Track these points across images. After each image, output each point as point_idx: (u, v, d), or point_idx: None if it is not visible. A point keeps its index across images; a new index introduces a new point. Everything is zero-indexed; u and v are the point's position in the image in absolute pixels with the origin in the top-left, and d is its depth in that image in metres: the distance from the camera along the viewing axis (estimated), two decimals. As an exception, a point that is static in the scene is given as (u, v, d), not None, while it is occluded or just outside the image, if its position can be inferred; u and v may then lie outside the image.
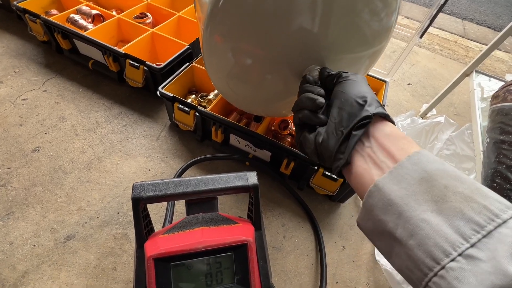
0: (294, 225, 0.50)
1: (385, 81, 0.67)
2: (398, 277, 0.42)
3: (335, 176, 0.46)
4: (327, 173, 0.47)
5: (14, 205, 0.46)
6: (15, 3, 0.64)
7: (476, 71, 0.64)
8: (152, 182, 0.27)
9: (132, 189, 0.26)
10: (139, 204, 0.26)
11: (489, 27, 1.37)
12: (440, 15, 1.06)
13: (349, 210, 0.54)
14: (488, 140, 0.42)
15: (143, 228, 0.27)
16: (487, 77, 0.64)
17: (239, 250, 0.25)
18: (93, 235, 0.44)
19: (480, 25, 1.37)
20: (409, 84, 0.88)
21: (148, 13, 0.73)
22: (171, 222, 0.40)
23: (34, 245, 0.42)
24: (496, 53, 1.16)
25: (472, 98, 0.57)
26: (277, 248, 0.47)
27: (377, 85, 0.68)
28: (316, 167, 0.48)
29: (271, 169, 0.54)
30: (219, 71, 0.38)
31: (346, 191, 0.50)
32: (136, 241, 0.28)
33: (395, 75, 0.89)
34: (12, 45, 0.70)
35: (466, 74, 0.66)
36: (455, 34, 1.25)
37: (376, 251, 0.48)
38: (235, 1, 0.30)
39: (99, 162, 0.53)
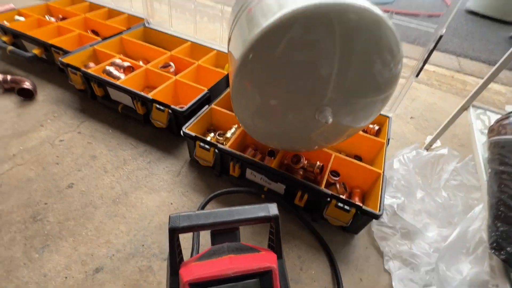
0: (310, 257, 0.52)
1: (388, 117, 0.72)
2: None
3: (347, 208, 0.49)
4: (340, 204, 0.50)
5: (49, 238, 0.49)
6: (60, 59, 0.75)
7: (473, 106, 0.69)
8: (185, 213, 0.31)
9: (169, 220, 0.29)
10: (175, 234, 0.30)
11: (483, 62, 1.45)
12: (435, 53, 1.14)
13: (364, 241, 0.56)
14: (489, 170, 0.45)
15: (177, 256, 0.30)
16: (484, 110, 0.69)
17: (264, 276, 0.28)
18: (120, 268, 0.47)
19: (474, 60, 1.46)
20: (411, 117, 0.93)
21: (171, 63, 0.83)
22: (197, 252, 0.43)
23: (66, 277, 0.45)
24: (494, 86, 1.21)
25: (472, 131, 0.60)
26: (295, 280, 0.48)
27: (381, 120, 0.73)
28: (328, 199, 0.51)
29: (286, 201, 0.57)
30: (246, 110, 0.44)
31: (359, 222, 0.52)
32: (170, 269, 0.31)
33: (397, 109, 0.94)
34: (52, 93, 0.80)
35: (464, 108, 0.70)
36: (452, 69, 1.33)
37: (394, 284, 0.48)
38: (264, 54, 0.36)
39: (125, 197, 0.57)
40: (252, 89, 0.40)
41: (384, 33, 0.36)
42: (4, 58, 0.89)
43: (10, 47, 0.83)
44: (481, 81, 0.64)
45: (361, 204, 0.49)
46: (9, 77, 0.79)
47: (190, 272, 0.28)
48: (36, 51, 0.82)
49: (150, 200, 0.57)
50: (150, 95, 0.66)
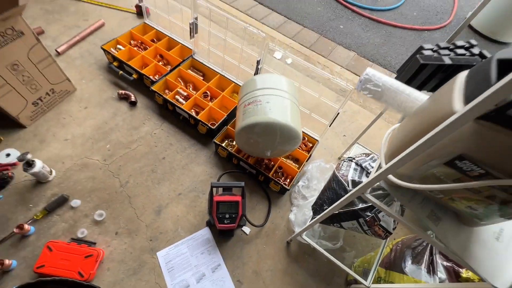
0: (259, 201, 1.26)
1: (317, 140, 1.38)
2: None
3: (278, 184, 1.21)
4: (276, 182, 1.21)
5: (160, 179, 1.25)
6: (151, 87, 1.41)
7: (358, 143, 1.32)
8: (214, 182, 1.05)
9: (211, 183, 1.03)
10: (211, 187, 1.04)
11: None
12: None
13: (286, 198, 1.28)
14: (328, 182, 1.12)
15: (213, 194, 1.05)
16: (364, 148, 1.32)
17: (237, 202, 1.03)
18: (187, 194, 1.23)
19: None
20: (344, 135, 1.56)
21: (208, 92, 1.48)
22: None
23: (169, 195, 1.22)
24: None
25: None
26: (250, 208, 1.23)
27: (312, 140, 1.39)
28: (271, 179, 1.22)
29: (255, 178, 1.29)
30: (239, 140, 1.14)
31: (283, 190, 1.24)
32: (210, 196, 1.06)
33: (337, 128, 1.57)
34: (145, 103, 1.48)
35: (355, 142, 1.34)
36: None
37: (290, 215, 1.22)
38: (244, 135, 1.05)
39: (187, 166, 1.31)
40: (241, 137, 1.09)
41: (293, 134, 1.02)
42: (117, 77, 1.55)
43: (121, 72, 1.49)
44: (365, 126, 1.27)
45: (283, 183, 1.20)
46: (123, 91, 1.47)
47: (215, 199, 1.03)
48: (135, 75, 1.48)
49: (197, 169, 1.31)
50: (198, 117, 1.34)
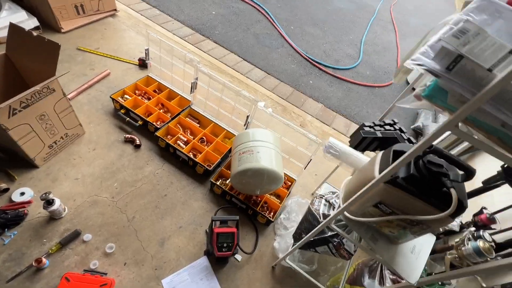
0: (248, 232, 1.49)
1: (295, 179, 1.69)
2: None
3: (264, 216, 1.47)
4: (262, 215, 1.47)
5: (161, 214, 1.45)
6: (155, 133, 1.65)
7: (326, 182, 1.66)
8: (213, 216, 1.29)
9: (211, 218, 1.27)
10: (212, 221, 1.27)
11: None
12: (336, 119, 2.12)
13: (270, 229, 1.54)
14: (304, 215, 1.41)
15: (212, 226, 1.29)
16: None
17: (233, 233, 1.27)
18: (187, 228, 1.43)
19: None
20: (315, 174, 1.90)
21: (204, 137, 1.75)
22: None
23: (171, 227, 1.41)
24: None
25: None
26: (242, 238, 1.46)
27: (291, 179, 1.70)
28: (258, 213, 1.48)
29: (245, 212, 1.54)
30: (236, 181, 1.41)
31: (269, 221, 1.50)
32: (209, 229, 1.29)
33: (310, 168, 1.91)
34: (148, 146, 1.71)
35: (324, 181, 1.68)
36: (359, 140, 2.30)
37: (274, 243, 1.47)
38: (239, 177, 1.33)
39: (186, 202, 1.52)
40: (237, 178, 1.36)
41: (278, 177, 1.33)
42: (123, 122, 1.78)
43: (128, 119, 1.72)
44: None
45: (268, 216, 1.47)
46: (129, 135, 1.69)
47: (215, 230, 1.26)
48: (140, 122, 1.72)
49: (195, 204, 1.52)
50: (197, 159, 1.59)
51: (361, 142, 1.01)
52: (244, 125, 1.73)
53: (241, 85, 2.37)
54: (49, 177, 1.43)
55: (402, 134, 1.06)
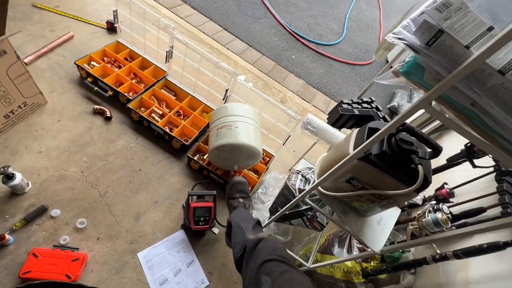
0: (225, 205, 1.51)
1: (273, 155, 1.70)
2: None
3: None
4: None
5: (137, 189, 1.41)
6: (127, 105, 1.55)
7: (304, 158, 1.69)
8: (190, 191, 1.27)
9: (188, 193, 1.26)
10: (188, 196, 1.26)
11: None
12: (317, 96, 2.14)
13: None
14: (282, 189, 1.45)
15: (189, 201, 1.28)
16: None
17: (210, 207, 1.27)
18: (163, 202, 1.41)
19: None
20: (294, 151, 1.92)
21: (181, 111, 1.68)
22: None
23: (147, 203, 1.38)
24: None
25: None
26: (219, 212, 1.48)
27: (269, 155, 1.71)
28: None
29: (223, 185, 1.54)
30: (213, 156, 1.39)
31: (246, 196, 1.53)
32: (186, 203, 1.28)
33: (288, 145, 1.93)
34: (120, 119, 1.61)
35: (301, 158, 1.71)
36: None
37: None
38: (216, 152, 1.31)
39: (162, 177, 1.48)
40: (214, 153, 1.34)
41: (256, 152, 1.32)
42: (90, 91, 1.64)
43: (96, 88, 1.59)
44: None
45: (246, 191, 1.49)
46: (98, 106, 1.57)
47: (192, 205, 1.26)
48: (110, 92, 1.60)
49: (171, 179, 1.49)
50: (173, 133, 1.53)
51: (339, 119, 1.01)
52: (223, 99, 1.67)
53: (221, 57, 2.26)
54: (7, 150, 1.31)
55: (378, 112, 1.08)
